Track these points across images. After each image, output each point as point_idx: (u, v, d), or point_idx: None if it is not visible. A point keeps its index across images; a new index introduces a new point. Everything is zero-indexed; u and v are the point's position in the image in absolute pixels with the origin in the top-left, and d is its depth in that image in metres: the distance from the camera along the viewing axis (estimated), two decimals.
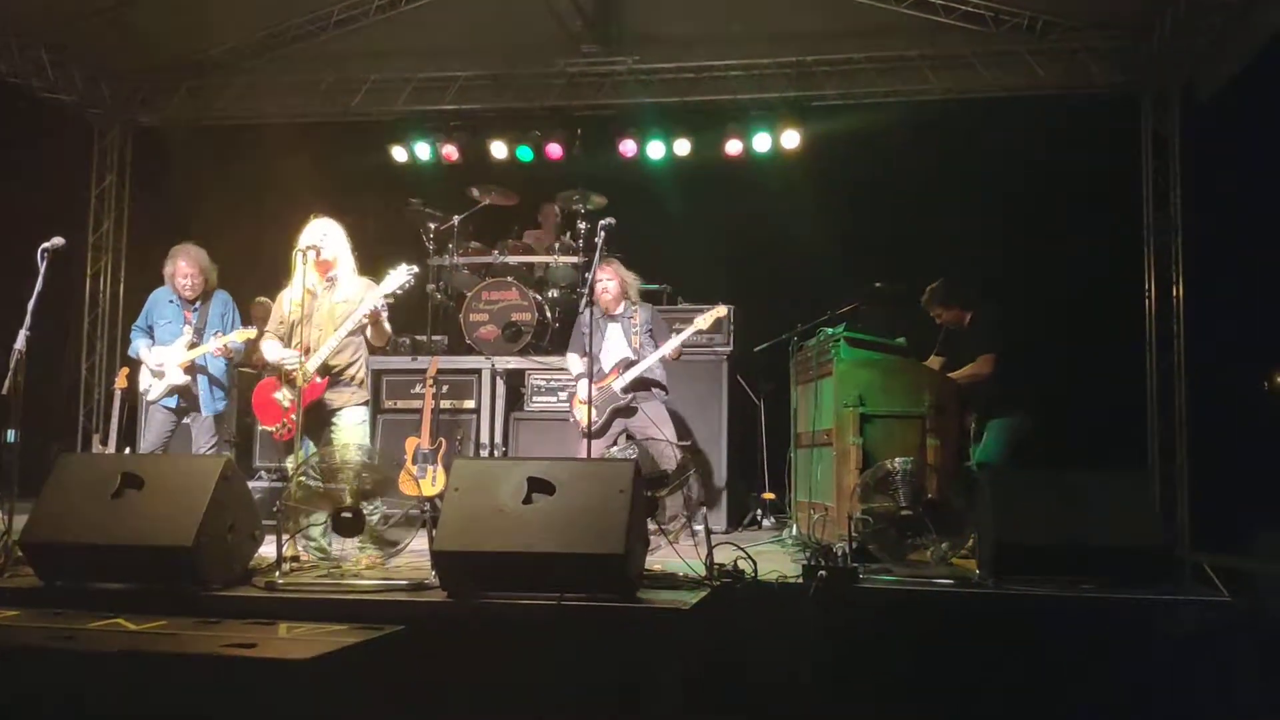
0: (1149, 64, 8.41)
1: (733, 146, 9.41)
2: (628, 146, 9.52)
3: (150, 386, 6.47)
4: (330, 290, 5.66)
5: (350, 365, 5.66)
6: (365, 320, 5.52)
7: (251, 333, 6.44)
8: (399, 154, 9.89)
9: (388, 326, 5.69)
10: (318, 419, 5.59)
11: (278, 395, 5.58)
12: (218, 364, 6.55)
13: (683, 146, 9.48)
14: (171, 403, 6.46)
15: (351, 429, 5.60)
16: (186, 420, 6.57)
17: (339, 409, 5.61)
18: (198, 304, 6.57)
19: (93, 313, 10.14)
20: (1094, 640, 4.41)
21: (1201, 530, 7.65)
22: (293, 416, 5.38)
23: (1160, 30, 8.03)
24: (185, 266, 6.51)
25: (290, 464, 5.42)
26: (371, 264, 5.96)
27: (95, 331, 10.12)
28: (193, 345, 6.42)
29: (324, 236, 5.58)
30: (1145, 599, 4.49)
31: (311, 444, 5.55)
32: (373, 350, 5.91)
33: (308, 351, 5.49)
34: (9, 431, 8.40)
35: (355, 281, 5.70)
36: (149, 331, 6.58)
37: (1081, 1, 8.38)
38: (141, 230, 10.23)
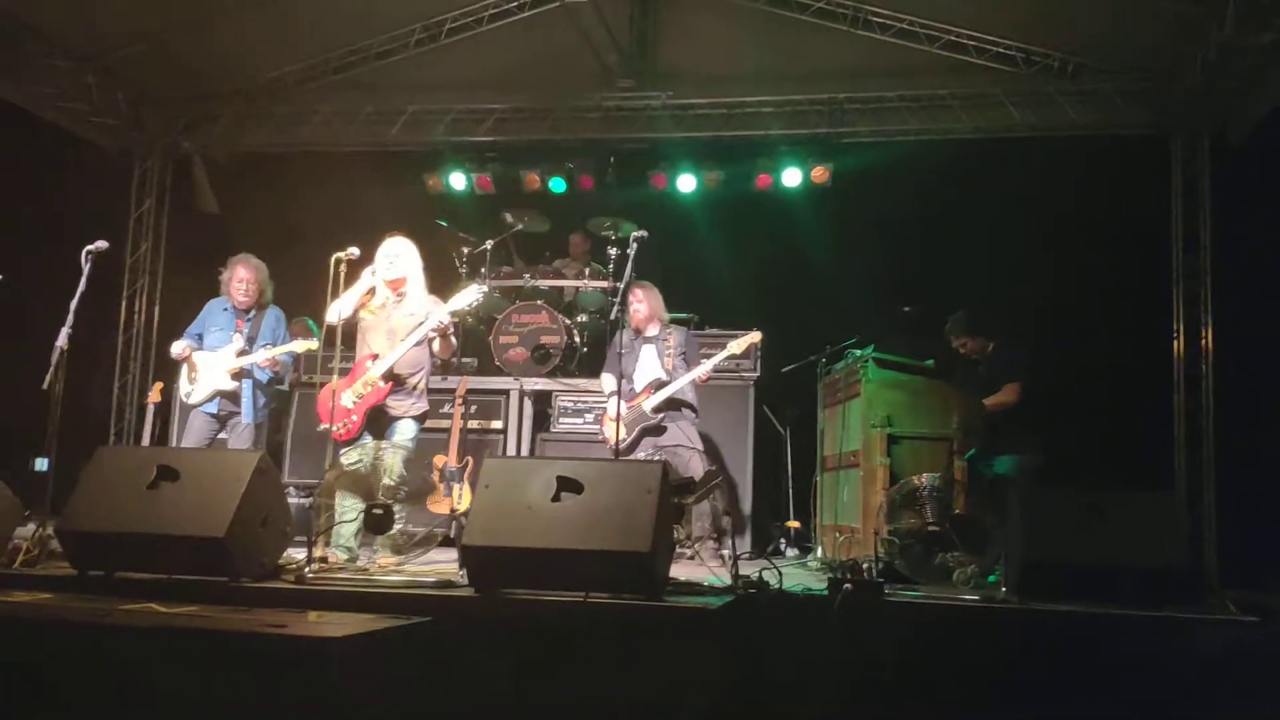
0: (1179, 106, 8.45)
1: (764, 181, 9.53)
2: (660, 179, 9.65)
3: (191, 391, 6.51)
4: (399, 304, 5.92)
5: (413, 375, 5.89)
6: (433, 334, 5.76)
7: (312, 344, 6.53)
8: (435, 184, 10.08)
9: (454, 340, 5.97)
10: (377, 423, 5.79)
11: (344, 395, 5.74)
12: (264, 375, 6.61)
13: (714, 180, 9.61)
14: (213, 408, 6.50)
15: (400, 438, 5.79)
16: (224, 434, 6.59)
17: (398, 417, 5.82)
18: (251, 314, 6.64)
19: (127, 333, 10.26)
20: (1119, 659, 4.38)
21: (1229, 570, 7.56)
22: (353, 417, 5.65)
23: (1191, 73, 8.07)
24: (243, 272, 6.61)
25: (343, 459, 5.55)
26: None
27: (129, 352, 10.23)
28: (242, 353, 6.48)
29: (396, 257, 5.90)
30: (1171, 618, 4.47)
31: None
32: (438, 360, 6.15)
33: (374, 358, 5.74)
34: (39, 459, 8.55)
35: (424, 298, 5.96)
36: (199, 339, 6.63)
37: (1113, 43, 8.45)
38: (178, 254, 10.40)
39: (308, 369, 8.26)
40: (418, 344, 5.82)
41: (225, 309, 6.65)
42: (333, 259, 5.57)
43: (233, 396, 6.50)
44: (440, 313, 5.76)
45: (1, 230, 8.33)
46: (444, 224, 8.80)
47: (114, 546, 4.55)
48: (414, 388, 5.88)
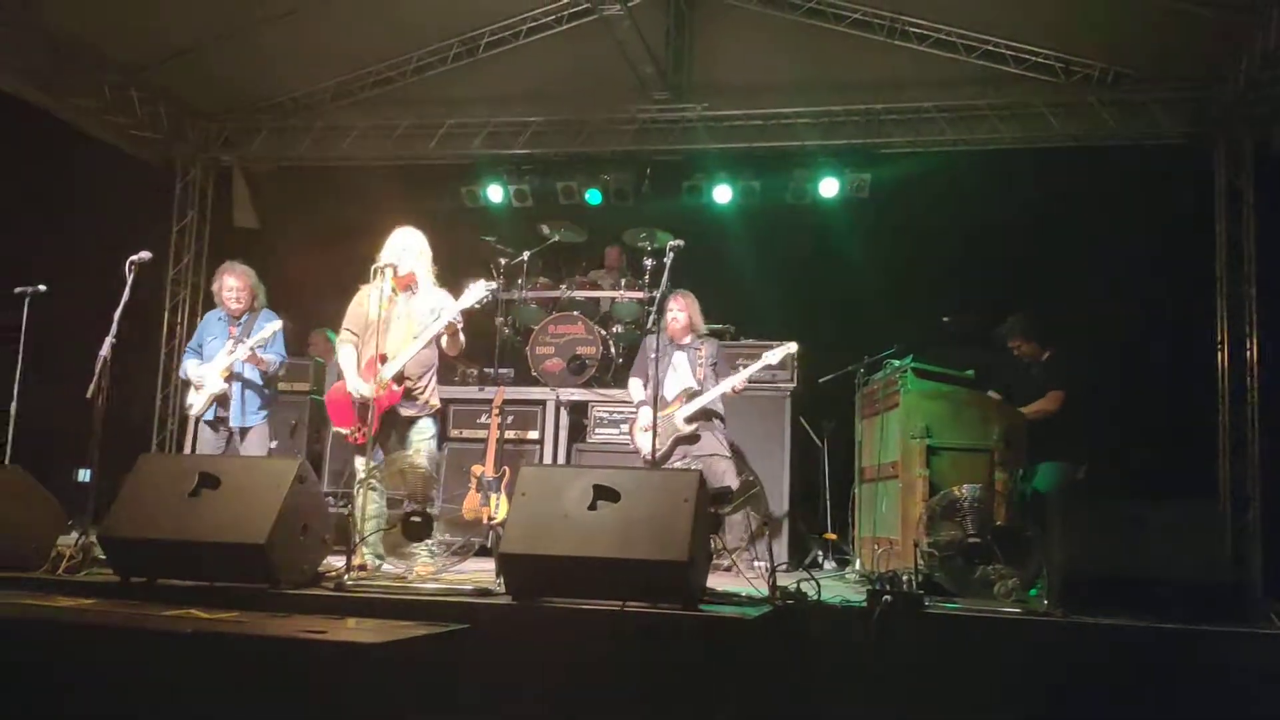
0: (1222, 114, 8.38)
1: (799, 192, 9.53)
2: (696, 191, 9.69)
3: (194, 402, 6.51)
4: (409, 300, 5.82)
5: (421, 378, 5.79)
6: (443, 332, 5.67)
7: (276, 325, 6.44)
8: (472, 196, 10.15)
9: (461, 338, 5.81)
10: (392, 425, 5.72)
11: (356, 399, 5.70)
12: (254, 376, 6.54)
13: (750, 191, 9.63)
14: (211, 415, 6.47)
15: (420, 438, 5.75)
16: (235, 442, 6.53)
17: (413, 418, 5.75)
18: (244, 319, 6.61)
19: (169, 344, 10.38)
20: (1162, 672, 4.31)
21: (1274, 583, 7.44)
22: (365, 422, 5.51)
23: (1233, 80, 7.99)
24: (231, 280, 6.58)
25: (360, 467, 5.51)
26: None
27: (171, 363, 10.35)
28: (231, 352, 6.43)
29: (403, 251, 5.77)
30: (1216, 631, 4.39)
31: (382, 451, 5.68)
32: (446, 361, 6.05)
33: (384, 359, 5.62)
34: (82, 470, 8.63)
35: (434, 293, 5.85)
36: (199, 351, 6.64)
37: (1153, 52, 8.39)
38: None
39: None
40: (426, 345, 5.71)
41: (220, 318, 6.64)
42: (372, 269, 5.59)
43: (224, 400, 6.46)
44: (451, 311, 5.65)
45: (46, 241, 8.47)
46: (490, 240, 8.84)
47: (156, 553, 4.58)
48: (424, 389, 5.80)
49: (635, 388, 7.03)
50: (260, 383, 6.58)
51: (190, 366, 6.62)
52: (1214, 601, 4.57)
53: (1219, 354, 8.38)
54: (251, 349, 6.33)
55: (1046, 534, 4.96)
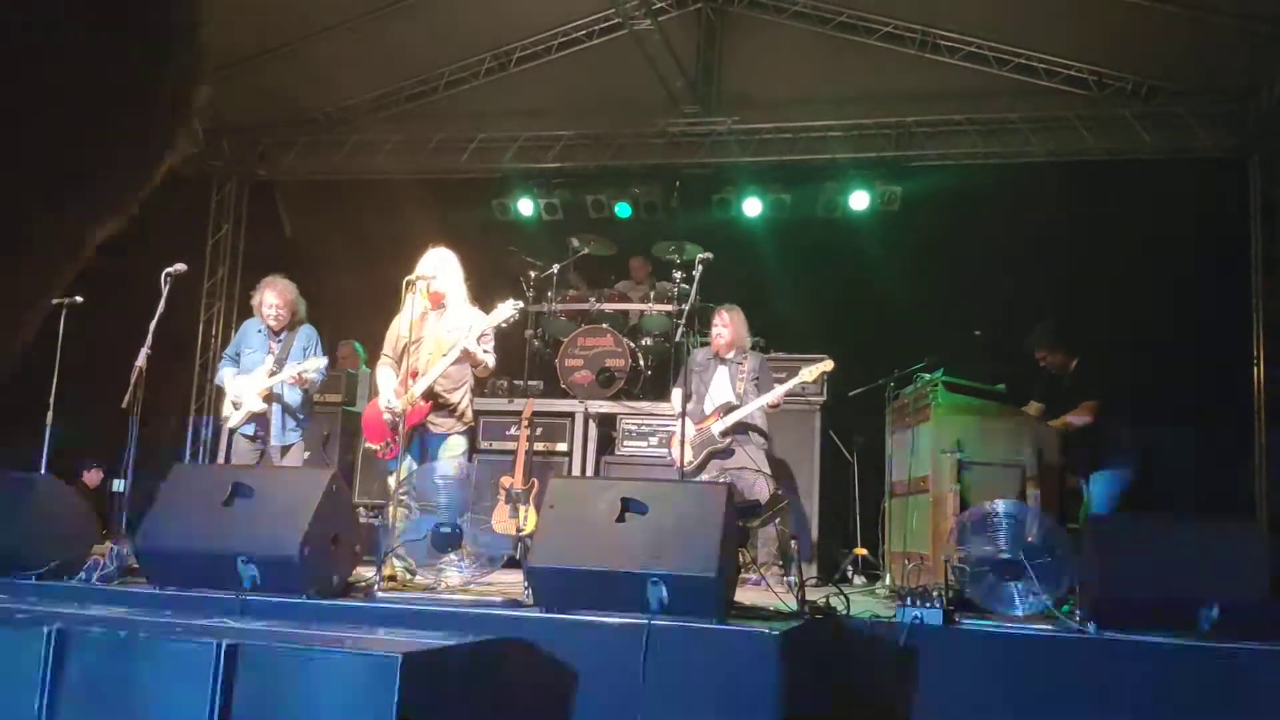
0: (1257, 127, 8.30)
1: (830, 205, 9.51)
2: (726, 204, 9.71)
3: (231, 414, 6.55)
4: (440, 318, 5.85)
5: (454, 391, 5.81)
6: (462, 356, 5.68)
7: (323, 361, 6.50)
8: (502, 210, 10.21)
9: (491, 361, 5.83)
10: (422, 441, 5.75)
11: (386, 415, 5.73)
12: (294, 395, 6.54)
13: (780, 204, 9.63)
14: (250, 430, 6.51)
15: (449, 454, 5.75)
16: (270, 454, 6.55)
17: (444, 435, 5.77)
18: (283, 334, 6.62)
19: (204, 356, 10.49)
20: (1196, 692, 4.26)
21: None
22: (396, 437, 5.54)
23: (1269, 93, 7.92)
24: (271, 297, 6.57)
25: (392, 481, 5.54)
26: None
27: (205, 374, 10.46)
28: (272, 374, 6.46)
29: (436, 268, 5.81)
30: (1251, 650, 4.33)
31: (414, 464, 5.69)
32: (478, 380, 6.07)
33: (415, 375, 5.66)
34: (116, 481, 8.72)
35: (466, 311, 5.87)
36: (236, 360, 6.66)
37: (1187, 65, 8.33)
38: (254, 278, 10.59)
39: (375, 392, 8.38)
40: (455, 362, 5.73)
41: (260, 330, 6.65)
42: (404, 281, 5.63)
43: (263, 420, 6.49)
44: (477, 329, 5.67)
45: None
46: (516, 250, 8.90)
47: (189, 562, 4.63)
48: (457, 404, 5.80)
49: (677, 399, 7.03)
50: (299, 402, 6.60)
51: (226, 375, 6.63)
52: (1249, 620, 4.51)
53: (1254, 370, 8.28)
54: (299, 373, 6.35)
55: (1081, 552, 4.91)
